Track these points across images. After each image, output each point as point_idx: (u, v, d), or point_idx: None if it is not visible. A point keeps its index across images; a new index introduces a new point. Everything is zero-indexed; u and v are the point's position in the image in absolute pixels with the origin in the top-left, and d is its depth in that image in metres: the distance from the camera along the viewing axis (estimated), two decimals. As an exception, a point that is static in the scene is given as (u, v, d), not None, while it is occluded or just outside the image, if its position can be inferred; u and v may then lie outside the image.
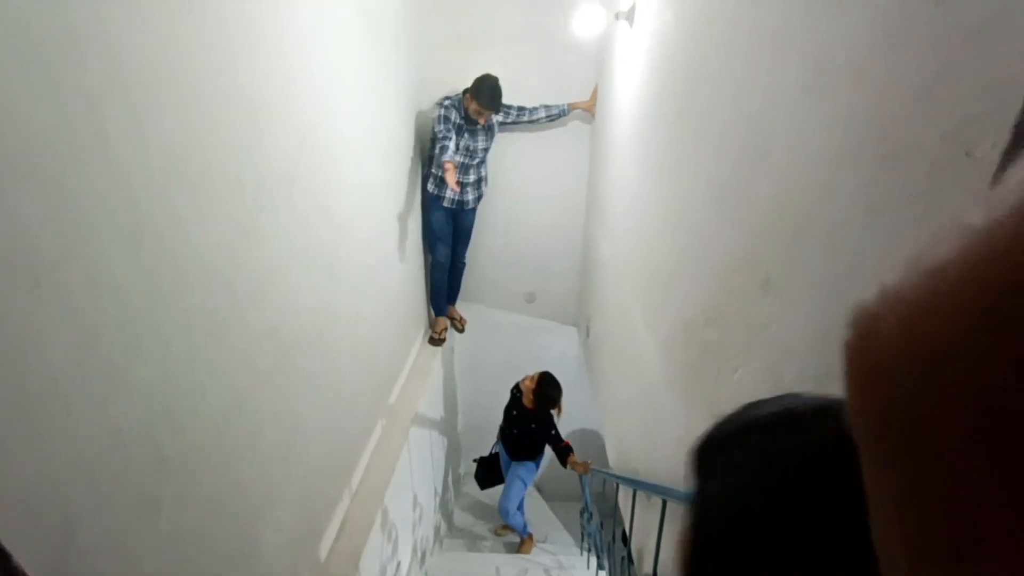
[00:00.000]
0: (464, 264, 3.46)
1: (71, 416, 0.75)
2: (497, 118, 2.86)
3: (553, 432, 3.08)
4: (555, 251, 3.85)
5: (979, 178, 0.49)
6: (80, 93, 0.74)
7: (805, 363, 0.77)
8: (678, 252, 1.37)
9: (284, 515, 1.45)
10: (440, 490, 3.73)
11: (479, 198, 3.12)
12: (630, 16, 2.16)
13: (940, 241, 0.12)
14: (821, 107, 0.75)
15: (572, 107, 2.99)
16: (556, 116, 3.01)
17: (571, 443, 3.03)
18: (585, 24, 2.44)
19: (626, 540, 2.00)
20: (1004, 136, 0.46)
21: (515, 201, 3.55)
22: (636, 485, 1.65)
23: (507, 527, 3.88)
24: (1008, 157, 0.46)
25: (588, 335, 3.57)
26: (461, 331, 3.76)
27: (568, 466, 2.94)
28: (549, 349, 4.31)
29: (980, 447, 0.11)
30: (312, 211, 1.55)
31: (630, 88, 2.11)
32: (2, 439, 0.65)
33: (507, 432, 3.32)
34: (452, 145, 2.67)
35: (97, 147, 0.77)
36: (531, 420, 3.14)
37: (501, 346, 4.28)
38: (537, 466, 3.45)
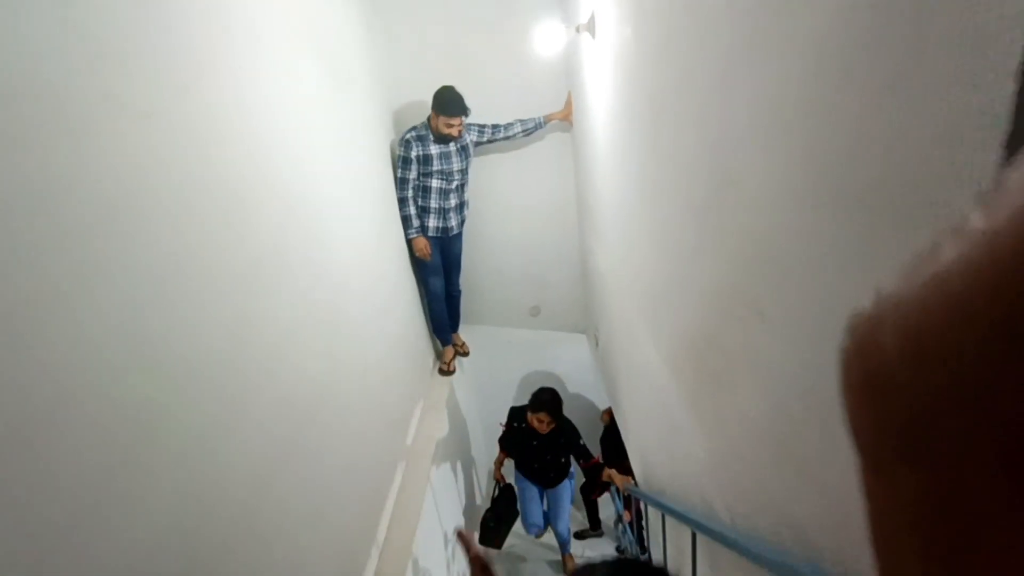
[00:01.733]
0: (459, 292, 3.41)
1: (108, 526, 0.75)
2: (471, 137, 2.82)
3: (582, 442, 2.94)
4: (552, 261, 3.84)
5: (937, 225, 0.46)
6: (67, 232, 0.75)
7: (810, 400, 0.75)
8: (668, 272, 1.35)
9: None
10: (469, 521, 3.71)
11: (462, 222, 3.08)
12: (591, 27, 2.14)
13: (940, 246, 0.11)
14: (778, 142, 0.74)
15: (548, 119, 2.96)
16: (532, 129, 2.98)
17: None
18: (547, 42, 2.43)
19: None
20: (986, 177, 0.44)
21: (505, 218, 3.54)
22: (667, 510, 1.62)
23: (571, 556, 3.63)
24: (1008, 151, 0.45)
25: (597, 344, 3.54)
26: (465, 355, 3.75)
27: (604, 478, 2.77)
28: (560, 360, 4.29)
29: (983, 454, 0.11)
30: (307, 277, 1.55)
31: (601, 99, 2.09)
32: (40, 556, 0.65)
33: (531, 467, 3.13)
34: (412, 210, 2.75)
35: (96, 274, 0.78)
36: (556, 440, 2.97)
37: (512, 364, 4.26)
38: (572, 477, 3.33)
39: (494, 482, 3.29)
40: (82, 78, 0.81)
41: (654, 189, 1.40)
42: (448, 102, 2.57)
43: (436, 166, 2.72)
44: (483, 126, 2.88)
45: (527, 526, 3.34)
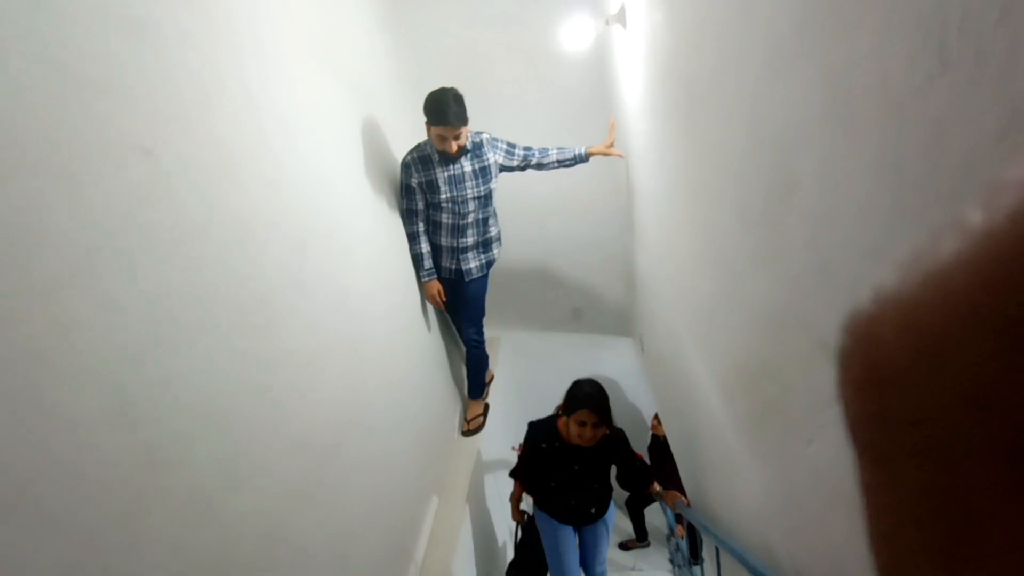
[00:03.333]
0: (479, 343, 2.61)
1: None
2: (494, 156, 2.18)
3: (639, 463, 2.17)
4: (595, 261, 3.70)
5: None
6: (70, 270, 0.71)
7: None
8: (716, 287, 1.20)
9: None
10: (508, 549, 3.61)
11: (488, 264, 2.39)
12: (621, 18, 2.00)
13: (939, 242, 0.11)
14: (847, 140, 0.59)
15: (591, 153, 2.27)
16: (571, 163, 2.29)
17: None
18: (575, 37, 2.31)
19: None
20: None
21: (547, 215, 3.41)
22: (724, 547, 1.47)
23: None
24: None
25: (643, 348, 3.37)
26: (478, 430, 2.87)
27: (649, 492, 2.27)
28: (604, 364, 4.13)
29: (984, 450, 0.11)
30: (325, 303, 1.51)
31: (635, 96, 1.95)
32: None
33: (565, 504, 2.17)
34: (423, 247, 2.21)
35: (101, 313, 0.75)
36: (606, 458, 2.07)
37: (553, 370, 4.14)
38: (612, 511, 2.39)
39: (515, 525, 2.61)
40: (78, 116, 0.77)
41: (696, 192, 1.26)
42: (435, 107, 1.93)
43: (444, 194, 2.12)
44: (513, 145, 2.22)
45: None
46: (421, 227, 2.21)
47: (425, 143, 2.10)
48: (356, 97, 1.98)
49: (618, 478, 2.14)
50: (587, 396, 1.90)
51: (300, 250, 1.39)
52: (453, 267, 2.32)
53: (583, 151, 2.27)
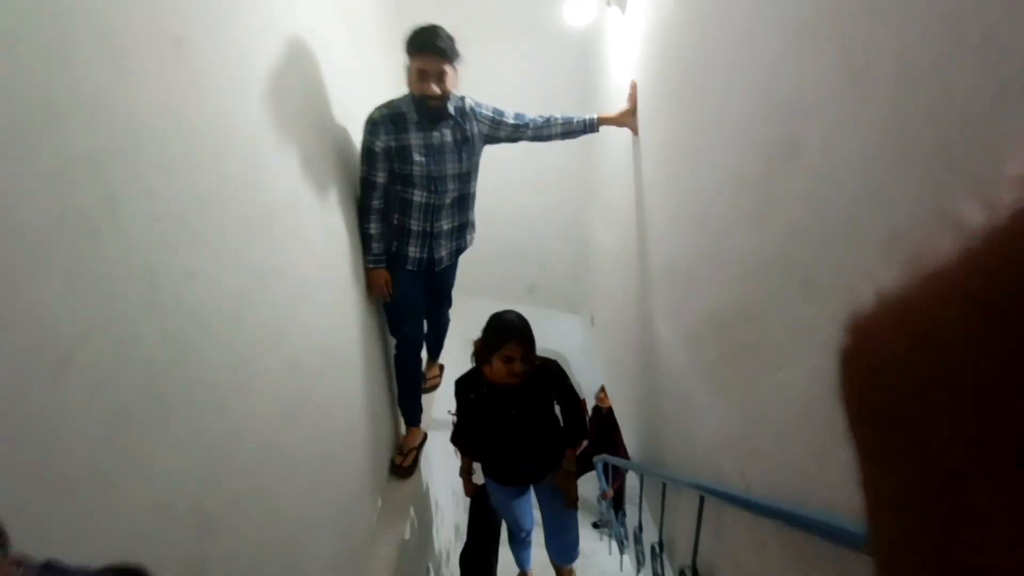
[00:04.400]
0: (448, 320, 2.51)
1: (113, 489, 0.72)
2: (478, 127, 1.81)
3: (572, 389, 1.94)
4: (554, 239, 3.83)
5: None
6: (86, 158, 0.70)
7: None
8: (698, 249, 1.35)
9: (322, 548, 1.43)
10: (456, 490, 3.74)
11: (459, 251, 2.07)
12: (621, 2, 2.10)
13: (938, 242, 0.12)
14: (865, 108, 0.73)
15: (603, 122, 1.90)
16: (577, 132, 1.90)
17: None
18: (575, 13, 2.38)
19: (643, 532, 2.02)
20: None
21: (508, 192, 3.49)
22: (672, 481, 1.65)
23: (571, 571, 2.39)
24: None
25: (593, 323, 3.56)
26: (433, 389, 2.74)
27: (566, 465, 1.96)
28: (550, 338, 4.30)
29: (983, 448, 0.11)
30: (322, 231, 1.51)
31: (626, 78, 2.06)
32: (46, 521, 0.62)
33: (508, 463, 1.98)
34: (374, 227, 1.79)
35: (109, 212, 0.73)
36: (540, 393, 1.84)
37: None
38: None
39: (468, 501, 2.38)
40: (125, 8, 0.76)
41: (690, 163, 1.39)
42: (419, 33, 1.60)
43: (418, 167, 1.73)
44: (501, 113, 1.85)
45: (517, 534, 2.29)
46: (375, 203, 1.79)
47: (400, 100, 1.70)
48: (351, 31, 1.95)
49: (563, 415, 1.92)
50: (509, 326, 1.69)
51: (305, 166, 1.39)
52: (423, 256, 1.90)
53: (593, 118, 1.89)
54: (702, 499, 1.38)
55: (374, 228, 1.82)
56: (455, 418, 2.00)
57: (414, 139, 1.70)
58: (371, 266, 1.86)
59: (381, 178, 1.75)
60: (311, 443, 1.35)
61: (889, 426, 0.13)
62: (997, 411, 0.11)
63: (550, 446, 1.97)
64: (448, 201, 1.86)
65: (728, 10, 1.13)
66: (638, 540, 2.36)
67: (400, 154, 1.71)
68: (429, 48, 1.56)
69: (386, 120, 1.68)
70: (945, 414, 0.11)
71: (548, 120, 1.87)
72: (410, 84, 1.65)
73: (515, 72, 2.95)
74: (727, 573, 1.32)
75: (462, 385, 1.93)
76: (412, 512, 2.17)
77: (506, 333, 1.70)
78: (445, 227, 1.91)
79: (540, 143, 1.94)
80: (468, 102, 1.79)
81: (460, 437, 2.03)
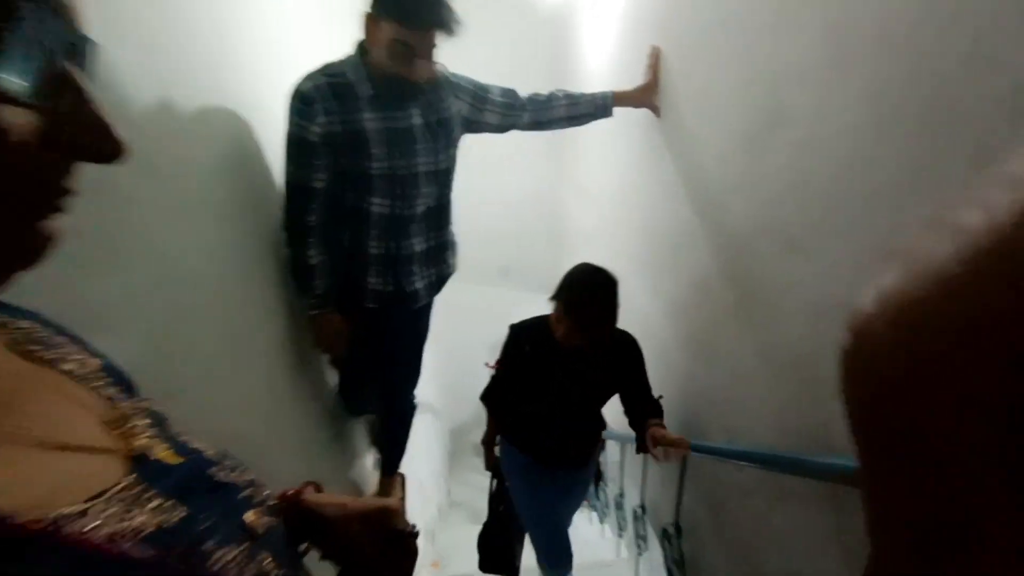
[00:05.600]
0: (414, 407, 1.73)
1: None
2: (457, 106, 1.28)
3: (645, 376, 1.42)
4: (529, 220, 3.86)
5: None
6: None
7: (842, 320, 0.83)
8: (684, 220, 1.41)
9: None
10: (439, 470, 3.78)
11: (439, 283, 1.46)
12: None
13: (936, 240, 0.12)
14: (846, 77, 0.79)
15: (620, 101, 1.47)
16: (587, 115, 1.45)
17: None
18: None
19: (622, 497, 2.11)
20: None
21: (481, 174, 3.48)
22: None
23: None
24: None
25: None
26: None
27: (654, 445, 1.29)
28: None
29: (981, 446, 0.11)
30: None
31: (602, 56, 2.10)
32: None
33: (553, 434, 1.52)
34: (315, 256, 1.22)
35: None
36: (614, 366, 1.40)
37: (478, 326, 4.29)
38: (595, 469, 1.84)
39: (490, 477, 1.93)
40: None
41: (673, 138, 1.44)
42: None
43: (379, 161, 1.18)
44: (485, 90, 1.33)
45: (548, 563, 1.81)
46: (312, 218, 1.19)
47: (342, 64, 1.14)
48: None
49: (625, 396, 1.43)
50: (595, 294, 1.24)
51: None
52: (388, 289, 1.32)
53: (606, 95, 1.45)
54: (684, 458, 1.46)
55: (314, 256, 1.22)
56: (495, 370, 1.58)
57: (370, 122, 1.14)
58: (315, 311, 1.28)
59: (320, 181, 1.17)
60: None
61: (890, 426, 0.13)
62: (1000, 414, 0.10)
63: (591, 438, 1.62)
64: (420, 211, 1.29)
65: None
66: (620, 507, 2.46)
67: (350, 144, 1.15)
68: (425, 16, 1.06)
69: (325, 94, 1.10)
70: (948, 416, 0.11)
71: (550, 98, 1.41)
72: (374, 52, 1.10)
73: (481, 54, 2.91)
74: (710, 521, 1.40)
75: (518, 335, 1.47)
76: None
77: (595, 291, 1.25)
78: (417, 248, 1.33)
79: (539, 131, 1.46)
80: (440, 68, 1.22)
81: (496, 396, 1.60)
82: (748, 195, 1.07)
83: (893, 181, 0.71)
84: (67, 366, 0.32)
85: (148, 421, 0.33)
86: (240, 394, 0.97)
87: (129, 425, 0.31)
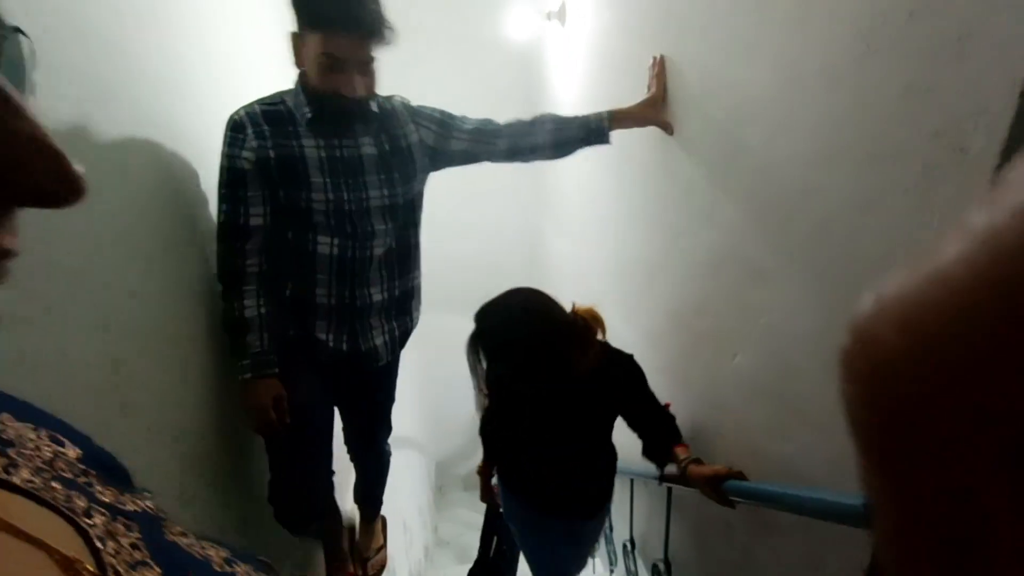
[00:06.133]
0: (388, 453, 1.57)
1: None
2: (420, 134, 1.15)
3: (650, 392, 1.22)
4: (507, 248, 3.87)
5: (975, 173, 0.54)
6: None
7: (811, 347, 0.83)
8: (654, 249, 1.42)
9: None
10: (425, 507, 3.67)
11: (402, 338, 1.28)
12: (561, 16, 2.19)
13: (940, 243, 0.12)
14: (796, 111, 0.81)
15: (618, 120, 1.23)
16: (576, 141, 1.24)
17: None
18: (516, 26, 2.45)
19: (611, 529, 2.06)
20: (1000, 133, 0.51)
21: (461, 202, 3.50)
22: (640, 476, 1.70)
23: None
24: (1006, 155, 0.52)
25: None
26: (381, 570, 1.73)
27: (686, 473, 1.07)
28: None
29: (986, 454, 0.11)
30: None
31: (571, 91, 2.14)
32: None
33: (552, 483, 1.31)
34: (254, 308, 1.05)
35: None
36: (607, 394, 1.21)
37: (461, 355, 4.23)
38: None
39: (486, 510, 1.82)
40: None
41: (641, 169, 1.46)
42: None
43: (319, 192, 1.04)
44: (451, 117, 1.19)
45: None
46: (249, 263, 1.05)
47: (283, 92, 1.05)
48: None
49: (631, 420, 1.24)
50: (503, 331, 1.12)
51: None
52: (339, 346, 1.14)
53: (603, 119, 1.23)
54: (670, 491, 1.43)
55: (251, 307, 1.04)
56: (487, 399, 1.40)
57: (308, 148, 1.03)
58: (249, 375, 1.04)
59: (257, 218, 1.03)
60: None
61: (891, 428, 0.12)
62: (1001, 415, 0.10)
63: (605, 477, 1.38)
64: (379, 253, 1.12)
65: (666, 26, 1.21)
66: (609, 540, 2.39)
67: (286, 172, 1.02)
68: (349, 22, 0.93)
69: (257, 120, 1.01)
70: (949, 418, 0.11)
71: (533, 123, 1.22)
72: (308, 73, 1.00)
73: (453, 88, 2.96)
74: (696, 555, 1.37)
75: (521, 385, 1.29)
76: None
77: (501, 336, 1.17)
78: (376, 298, 1.15)
79: (520, 163, 1.26)
80: (398, 100, 1.14)
81: (491, 429, 1.44)
82: (712, 224, 1.08)
83: (844, 210, 0.72)
84: (23, 473, 0.24)
85: (134, 536, 0.26)
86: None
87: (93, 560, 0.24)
